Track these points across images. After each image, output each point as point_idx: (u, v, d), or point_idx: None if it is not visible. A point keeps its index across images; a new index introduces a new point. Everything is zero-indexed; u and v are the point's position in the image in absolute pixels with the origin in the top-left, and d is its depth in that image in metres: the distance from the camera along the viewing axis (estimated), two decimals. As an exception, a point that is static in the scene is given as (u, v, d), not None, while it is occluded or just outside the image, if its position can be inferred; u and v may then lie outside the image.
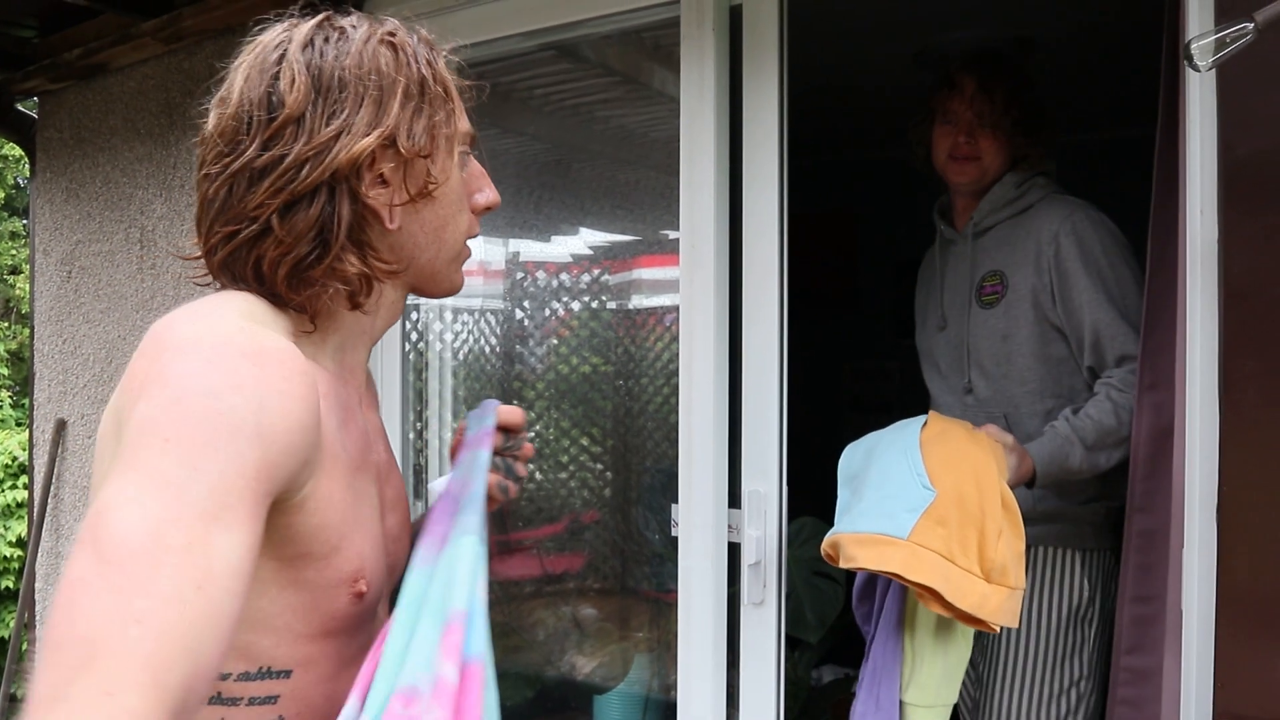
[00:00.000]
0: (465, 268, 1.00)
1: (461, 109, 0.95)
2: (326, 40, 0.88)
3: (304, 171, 0.83)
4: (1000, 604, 1.39)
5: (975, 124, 1.88)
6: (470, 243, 0.99)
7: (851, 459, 1.59)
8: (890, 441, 1.55)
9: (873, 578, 1.57)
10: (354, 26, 0.90)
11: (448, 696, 0.78)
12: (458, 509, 0.93)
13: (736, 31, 1.74)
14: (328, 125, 0.84)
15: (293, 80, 0.85)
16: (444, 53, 0.95)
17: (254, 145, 0.85)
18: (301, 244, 0.84)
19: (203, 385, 0.72)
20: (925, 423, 1.57)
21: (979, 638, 1.75)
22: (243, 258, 0.86)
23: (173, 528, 0.65)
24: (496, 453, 1.03)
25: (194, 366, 0.73)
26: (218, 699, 0.81)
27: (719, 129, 1.73)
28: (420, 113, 0.88)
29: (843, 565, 1.45)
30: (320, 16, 0.91)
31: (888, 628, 1.52)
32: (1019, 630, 1.78)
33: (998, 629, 1.41)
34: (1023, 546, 1.45)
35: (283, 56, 0.87)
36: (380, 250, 0.90)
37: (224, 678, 0.81)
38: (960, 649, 1.53)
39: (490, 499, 1.00)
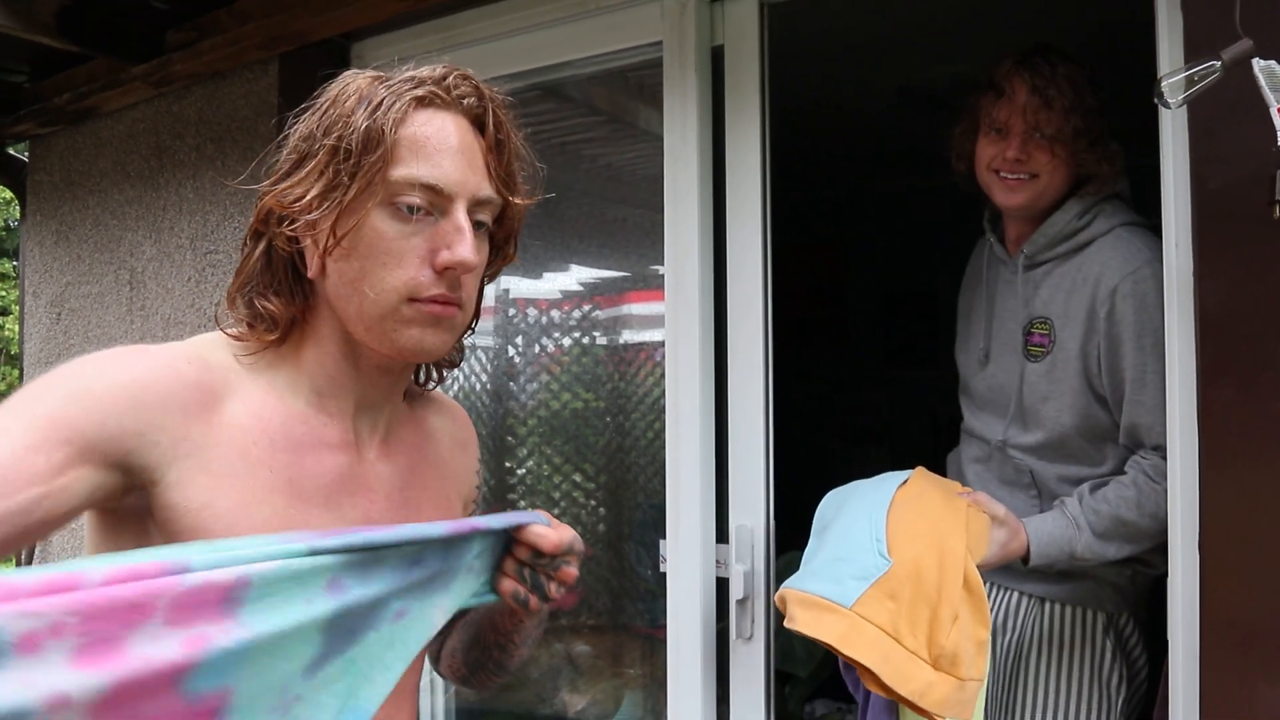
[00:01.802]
0: None
1: (417, 160, 0.90)
2: (310, 106, 0.94)
3: (253, 220, 0.94)
4: (945, 695, 1.26)
5: (1029, 136, 1.58)
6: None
7: (827, 507, 1.52)
8: (862, 495, 1.46)
9: None
10: (329, 95, 0.94)
11: None
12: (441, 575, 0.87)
13: (719, 70, 1.77)
14: (271, 180, 0.93)
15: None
16: (418, 88, 0.92)
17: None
18: (235, 281, 0.95)
19: (61, 373, 0.82)
20: (906, 480, 1.48)
21: (997, 698, 1.67)
22: None
23: None
24: (525, 564, 0.95)
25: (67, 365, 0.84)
26: None
27: (702, 167, 1.75)
28: (322, 170, 0.89)
29: (785, 625, 1.35)
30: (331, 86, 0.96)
31: (879, 705, 1.42)
32: (1040, 692, 1.67)
33: None
34: (986, 635, 1.33)
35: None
36: (310, 295, 0.94)
37: None
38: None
39: (510, 611, 1.00)
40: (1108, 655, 1.65)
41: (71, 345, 3.01)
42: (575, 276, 2.64)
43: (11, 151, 3.32)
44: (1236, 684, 1.26)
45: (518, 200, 0.98)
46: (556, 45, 1.97)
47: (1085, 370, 1.58)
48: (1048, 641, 1.67)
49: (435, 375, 1.10)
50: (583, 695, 2.40)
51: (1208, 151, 1.32)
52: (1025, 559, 1.52)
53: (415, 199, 0.89)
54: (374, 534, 0.81)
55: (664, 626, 1.79)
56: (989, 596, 1.65)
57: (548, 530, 0.93)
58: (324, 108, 0.92)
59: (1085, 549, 1.52)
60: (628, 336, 2.49)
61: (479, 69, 2.09)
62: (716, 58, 1.77)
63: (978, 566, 1.39)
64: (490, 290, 2.61)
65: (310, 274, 0.93)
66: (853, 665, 1.29)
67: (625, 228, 2.53)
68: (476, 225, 0.94)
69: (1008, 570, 1.68)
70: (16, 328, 5.03)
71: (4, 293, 8.98)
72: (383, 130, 0.88)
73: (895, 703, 1.36)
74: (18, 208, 3.44)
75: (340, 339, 0.94)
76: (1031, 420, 1.65)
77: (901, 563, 1.31)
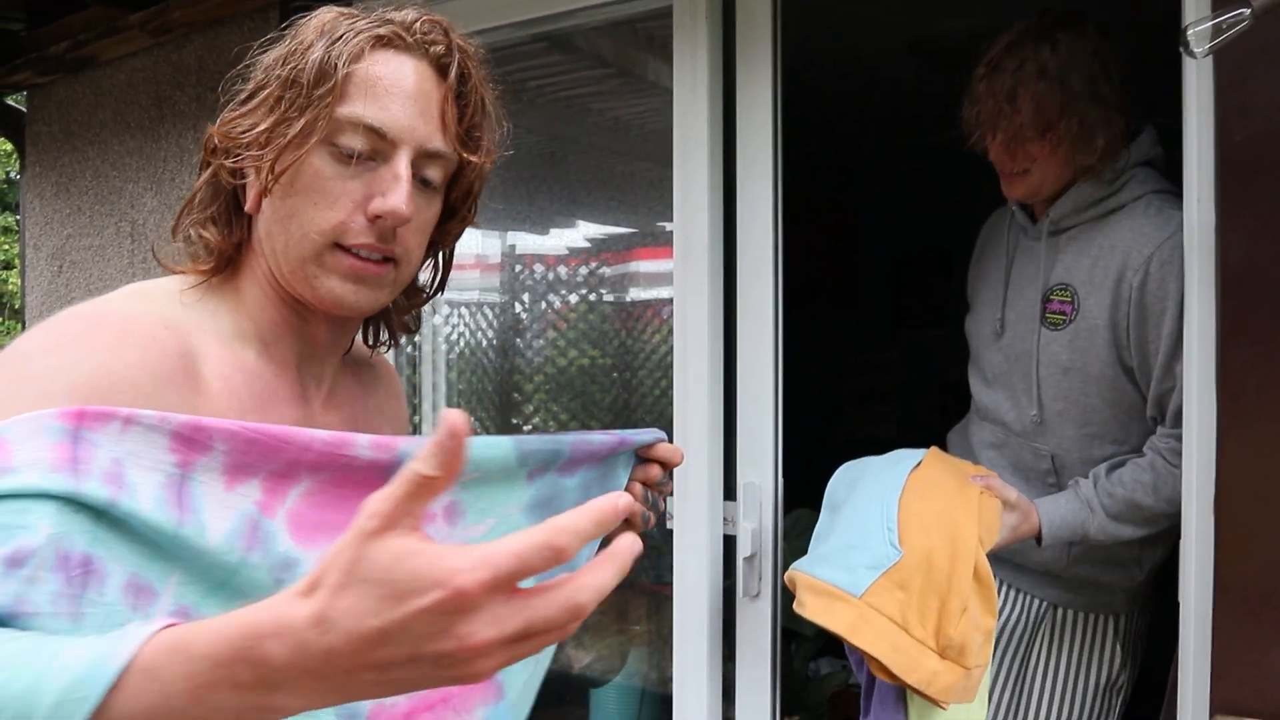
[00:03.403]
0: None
1: (368, 100, 0.85)
2: (278, 38, 0.91)
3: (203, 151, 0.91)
4: (952, 683, 1.28)
5: (1006, 136, 1.55)
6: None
7: (839, 483, 1.50)
8: (875, 477, 1.44)
9: None
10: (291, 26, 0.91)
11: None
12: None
13: (730, 21, 1.72)
14: (224, 112, 0.90)
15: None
16: (374, 25, 0.88)
17: None
18: (184, 207, 0.92)
19: (22, 349, 0.77)
20: (920, 462, 1.46)
21: (1004, 702, 1.67)
22: None
23: None
24: (644, 483, 1.01)
25: (30, 334, 0.78)
26: None
27: (712, 120, 1.72)
28: (273, 103, 0.86)
29: (794, 609, 1.36)
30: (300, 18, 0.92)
31: (884, 688, 1.40)
32: (1047, 700, 1.66)
33: (947, 707, 1.30)
34: (993, 624, 1.34)
35: None
36: (247, 230, 0.92)
37: None
38: (974, 713, 1.40)
39: (628, 523, 1.01)
40: (1118, 659, 1.65)
41: (73, 298, 2.99)
42: (582, 232, 2.61)
43: (10, 103, 3.28)
44: (1248, 649, 1.25)
45: (474, 158, 0.92)
46: (564, -7, 1.92)
47: (1114, 341, 1.53)
48: (1059, 647, 1.66)
49: (389, 339, 1.05)
50: (588, 651, 2.40)
51: (1235, 103, 1.28)
52: (1038, 539, 1.50)
53: (357, 142, 0.85)
54: (561, 437, 0.93)
55: (669, 583, 1.78)
56: (1000, 596, 1.64)
57: (674, 448, 0.97)
58: (286, 39, 0.89)
59: (1098, 531, 1.50)
60: (635, 293, 2.47)
61: (483, 17, 2.06)
62: (728, 8, 1.73)
63: (988, 550, 1.38)
64: (496, 245, 2.60)
65: (248, 208, 0.89)
66: (858, 651, 1.30)
67: (633, 183, 2.49)
68: (424, 181, 0.89)
69: (1020, 572, 1.67)
70: (19, 281, 5.01)
71: (7, 246, 8.96)
72: (335, 65, 0.84)
73: (902, 689, 1.37)
74: (18, 160, 3.41)
75: (268, 280, 0.91)
76: (1052, 394, 1.60)
77: (912, 553, 1.31)
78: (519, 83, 2.37)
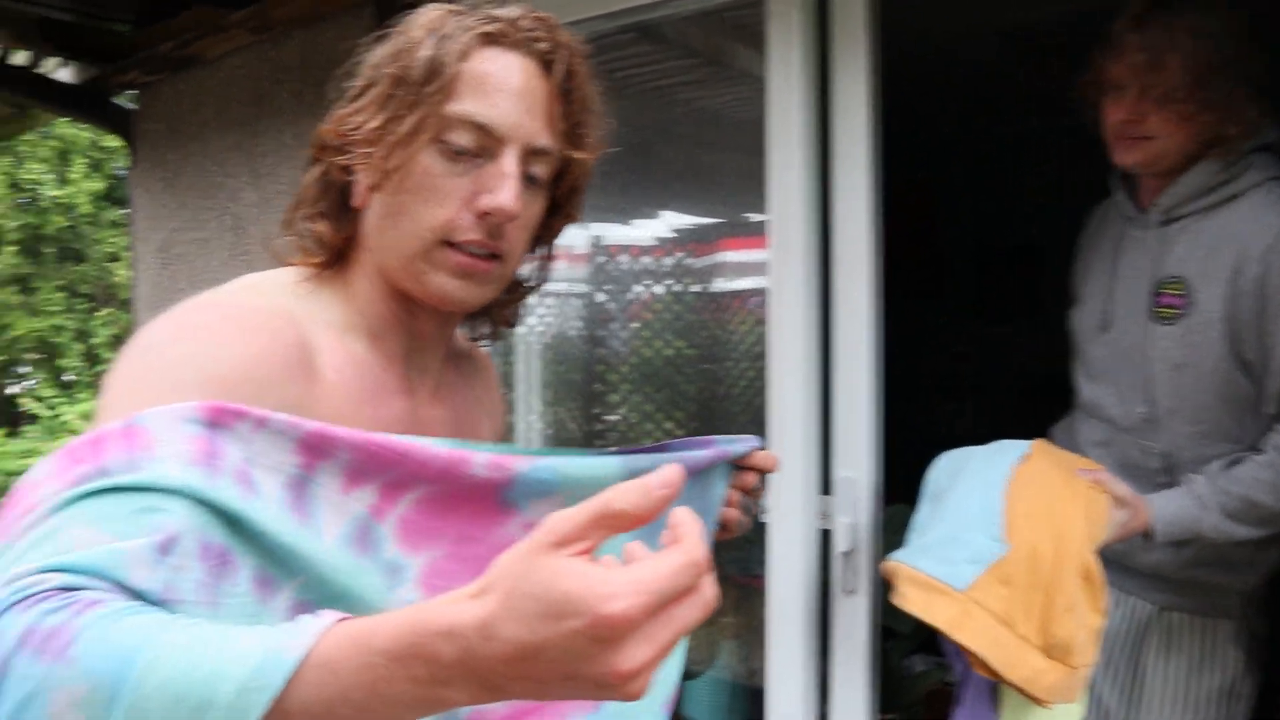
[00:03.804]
0: None
1: (475, 97, 0.86)
2: (385, 35, 0.92)
3: (310, 147, 0.93)
4: (1055, 682, 1.24)
5: (1141, 97, 1.47)
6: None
7: (940, 473, 1.47)
8: (979, 468, 1.40)
9: None
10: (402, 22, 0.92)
11: None
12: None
13: (824, 8, 1.70)
14: (339, 109, 0.91)
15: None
16: (481, 24, 0.88)
17: None
18: (294, 201, 0.93)
19: (151, 340, 0.79)
20: (1026, 454, 1.41)
21: (1114, 710, 1.62)
22: None
23: None
24: (741, 490, 1.04)
25: (155, 326, 0.80)
26: None
27: (806, 109, 1.69)
28: (385, 100, 0.87)
29: (893, 600, 1.34)
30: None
31: (981, 682, 1.38)
32: (1161, 704, 1.60)
33: (1050, 706, 1.26)
34: (1100, 622, 1.30)
35: None
36: (356, 225, 0.92)
37: None
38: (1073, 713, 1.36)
39: (725, 528, 1.04)
40: (1237, 666, 1.57)
41: (179, 290, 3.10)
42: (670, 222, 2.60)
43: (120, 102, 3.40)
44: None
45: (580, 155, 0.93)
46: (655, -17, 1.91)
47: (1231, 335, 1.45)
48: (1172, 651, 1.59)
49: (492, 332, 1.06)
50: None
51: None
52: (1147, 537, 1.44)
53: (465, 139, 0.86)
54: (662, 454, 0.93)
55: (757, 575, 1.77)
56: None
57: (770, 455, 1.00)
58: (394, 37, 0.90)
59: (1212, 530, 1.44)
60: (722, 284, 2.46)
61: (574, 8, 2.06)
62: (823, -6, 1.70)
63: (1096, 547, 1.34)
64: (586, 236, 2.61)
65: (356, 204, 0.91)
66: (958, 646, 1.27)
67: (721, 173, 2.48)
68: (530, 178, 0.90)
69: (1127, 574, 1.60)
70: (127, 273, 5.20)
71: (115, 239, 9.33)
72: (444, 62, 0.85)
73: (996, 681, 1.33)
74: (125, 156, 3.54)
75: (377, 275, 0.93)
76: (1163, 390, 1.53)
77: (1018, 548, 1.27)
78: (608, 74, 2.37)
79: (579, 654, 0.50)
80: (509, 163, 0.87)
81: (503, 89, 0.87)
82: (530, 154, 0.89)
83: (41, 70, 3.31)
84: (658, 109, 2.51)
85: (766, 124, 1.73)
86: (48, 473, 0.66)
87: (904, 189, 4.07)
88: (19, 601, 0.57)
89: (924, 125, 3.95)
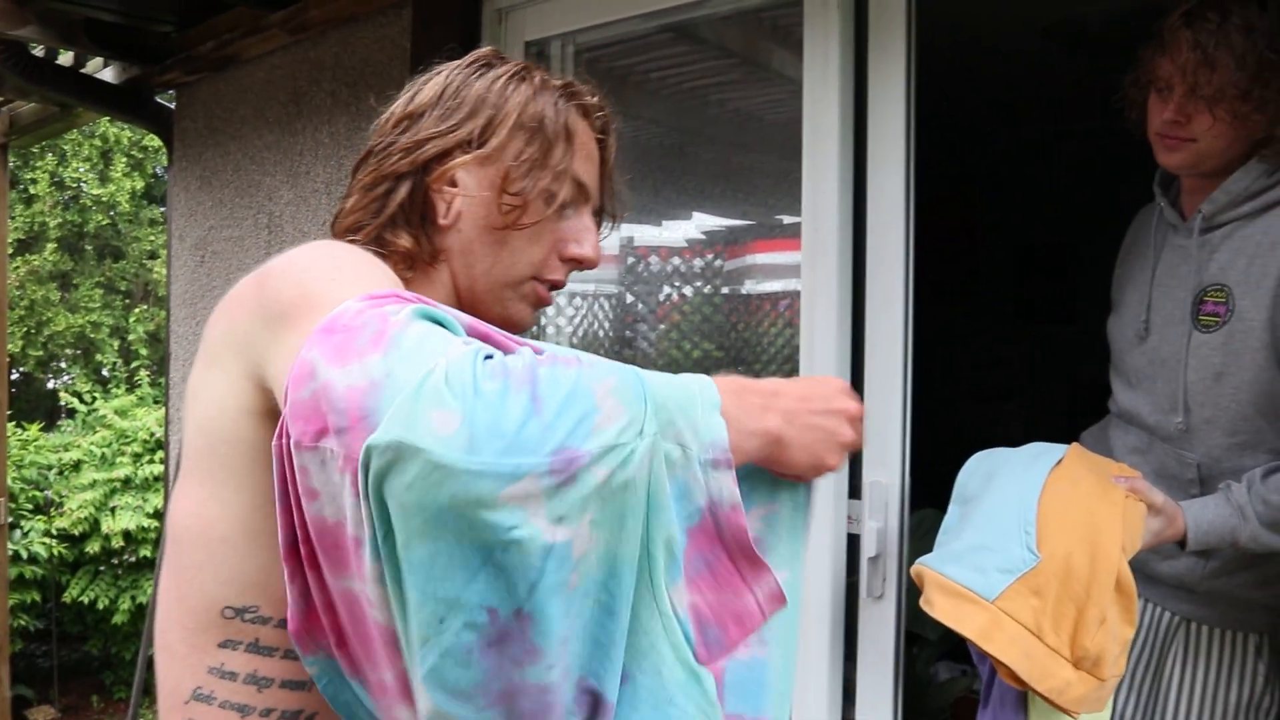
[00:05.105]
0: None
1: (584, 160, 1.00)
2: (474, 67, 1.00)
3: (395, 158, 0.97)
4: (1084, 694, 1.23)
5: (1189, 96, 1.44)
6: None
7: (972, 475, 1.45)
8: (1013, 472, 1.39)
9: None
10: (502, 63, 1.01)
11: None
12: None
13: (862, 9, 1.69)
14: (435, 127, 0.97)
15: (429, 88, 0.99)
16: (595, 113, 1.03)
17: (383, 136, 1.00)
18: (363, 214, 0.98)
19: (321, 254, 0.84)
20: (1060, 460, 1.39)
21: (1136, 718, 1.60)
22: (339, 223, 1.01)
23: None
24: None
25: (305, 251, 0.85)
26: (254, 646, 0.82)
27: (843, 111, 1.68)
28: (526, 142, 0.96)
29: (922, 606, 1.33)
30: (487, 51, 1.03)
31: (1008, 691, 1.36)
32: (1182, 716, 1.57)
33: (1077, 716, 1.25)
34: (1131, 633, 1.28)
35: (440, 74, 1.01)
36: (434, 240, 0.98)
37: (263, 621, 0.82)
38: None
39: None
40: (1259, 679, 1.54)
41: (214, 287, 3.14)
42: (701, 224, 2.60)
43: (160, 100, 3.45)
44: None
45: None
46: (691, -16, 1.91)
47: (1274, 343, 1.42)
48: (1194, 664, 1.57)
49: None
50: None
51: None
52: (1182, 544, 1.42)
53: (566, 192, 0.99)
54: None
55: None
56: None
57: None
58: (503, 82, 0.98)
59: (1250, 539, 1.40)
60: (752, 286, 2.44)
61: (611, 9, 2.07)
62: (860, -5, 1.69)
63: (1130, 558, 1.31)
64: (617, 237, 2.61)
65: (445, 222, 0.97)
66: (987, 655, 1.26)
67: (754, 174, 2.47)
68: None
69: (1151, 583, 1.59)
70: (164, 270, 5.28)
71: (154, 237, 9.47)
72: (570, 126, 0.99)
73: (1023, 691, 1.32)
74: (165, 155, 3.59)
75: (451, 291, 0.99)
76: (1201, 400, 1.50)
77: (1051, 559, 1.26)
78: (644, 74, 2.37)
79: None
80: (590, 219, 1.03)
81: (590, 154, 1.02)
82: (595, 211, 1.06)
83: (86, 70, 3.37)
84: (693, 110, 2.51)
85: (803, 125, 1.72)
86: (359, 306, 0.72)
87: (941, 190, 4.06)
88: (488, 357, 0.68)
89: (962, 125, 3.93)
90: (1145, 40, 1.54)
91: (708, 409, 0.75)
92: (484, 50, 1.04)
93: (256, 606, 0.82)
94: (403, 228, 0.97)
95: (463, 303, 0.99)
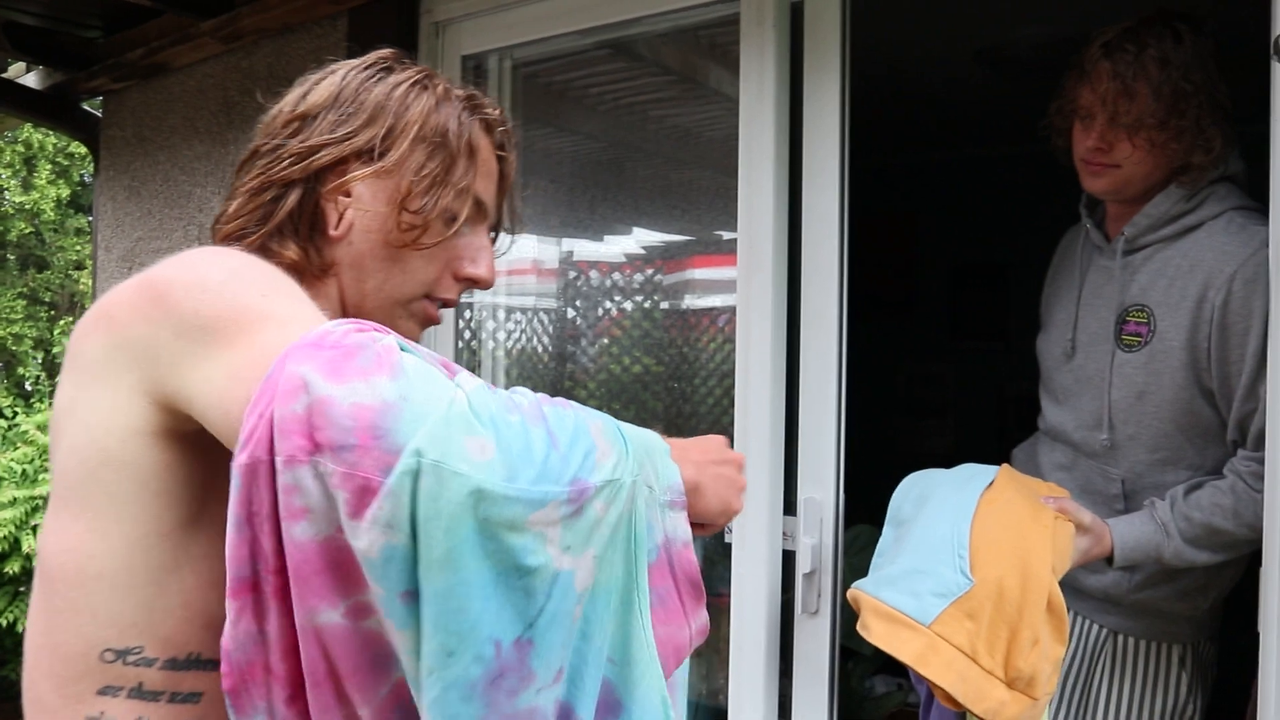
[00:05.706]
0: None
1: (484, 177, 0.98)
2: (373, 70, 0.96)
3: (285, 163, 0.92)
4: (1018, 713, 1.26)
5: (1110, 124, 1.49)
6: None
7: (905, 498, 1.47)
8: (945, 495, 1.41)
9: None
10: (404, 67, 0.97)
11: None
12: None
13: (797, 29, 1.71)
14: (330, 133, 0.92)
15: (323, 88, 0.95)
16: (497, 129, 1.00)
17: (271, 137, 0.95)
18: (248, 220, 0.93)
19: (234, 264, 0.81)
20: (992, 481, 1.42)
21: None
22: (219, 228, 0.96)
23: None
24: None
25: (209, 260, 0.81)
26: (137, 691, 0.78)
27: (778, 129, 1.70)
28: (428, 156, 0.93)
29: (858, 630, 1.34)
30: (387, 53, 0.99)
31: (944, 714, 1.39)
32: None
33: None
34: (1062, 652, 1.32)
35: (335, 74, 0.97)
36: (323, 252, 0.94)
37: (148, 664, 0.78)
38: None
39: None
40: (1183, 688, 1.59)
41: (142, 299, 3.05)
42: (640, 239, 2.60)
43: (86, 107, 3.36)
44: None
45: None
46: (628, 0, 1.91)
47: (1193, 363, 1.47)
48: (1122, 675, 1.61)
49: None
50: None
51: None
52: (1109, 561, 1.46)
53: (464, 211, 0.96)
54: None
55: (721, 594, 1.76)
56: None
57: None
58: (402, 87, 0.94)
59: (1174, 556, 1.45)
60: (692, 301, 2.45)
61: (547, 24, 2.06)
62: (795, 14, 1.71)
63: (1060, 578, 1.35)
64: (554, 252, 2.61)
65: (336, 233, 0.93)
66: (924, 679, 1.28)
67: (692, 190, 2.48)
68: None
69: (1079, 597, 1.62)
70: (89, 282, 5.13)
71: (80, 247, 9.20)
72: (474, 142, 0.96)
73: (960, 713, 1.34)
74: (93, 164, 3.49)
75: (338, 306, 0.95)
76: (1124, 417, 1.55)
77: (984, 582, 1.28)
78: (582, 90, 2.37)
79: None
80: (485, 238, 1.01)
81: (490, 171, 0.99)
82: (492, 227, 1.04)
83: (8, 75, 3.27)
84: (631, 125, 2.51)
85: (739, 142, 1.74)
86: (348, 326, 0.71)
87: (877, 209, 4.12)
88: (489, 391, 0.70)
89: (897, 146, 4.00)
90: (1068, 68, 1.58)
91: (664, 454, 0.81)
92: (384, 51, 0.99)
93: (140, 647, 0.77)
94: (290, 237, 0.92)
95: (349, 311, 0.95)
